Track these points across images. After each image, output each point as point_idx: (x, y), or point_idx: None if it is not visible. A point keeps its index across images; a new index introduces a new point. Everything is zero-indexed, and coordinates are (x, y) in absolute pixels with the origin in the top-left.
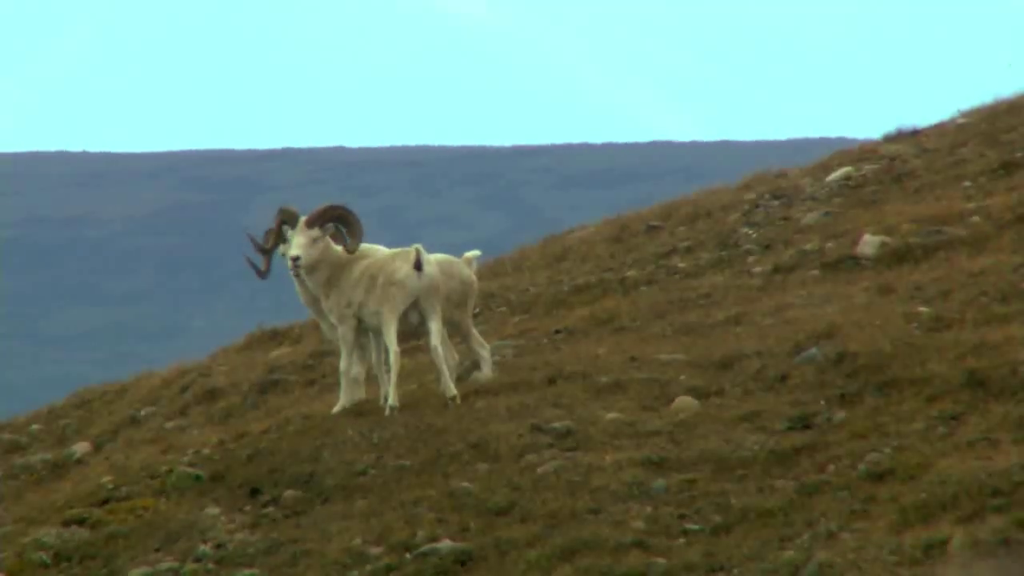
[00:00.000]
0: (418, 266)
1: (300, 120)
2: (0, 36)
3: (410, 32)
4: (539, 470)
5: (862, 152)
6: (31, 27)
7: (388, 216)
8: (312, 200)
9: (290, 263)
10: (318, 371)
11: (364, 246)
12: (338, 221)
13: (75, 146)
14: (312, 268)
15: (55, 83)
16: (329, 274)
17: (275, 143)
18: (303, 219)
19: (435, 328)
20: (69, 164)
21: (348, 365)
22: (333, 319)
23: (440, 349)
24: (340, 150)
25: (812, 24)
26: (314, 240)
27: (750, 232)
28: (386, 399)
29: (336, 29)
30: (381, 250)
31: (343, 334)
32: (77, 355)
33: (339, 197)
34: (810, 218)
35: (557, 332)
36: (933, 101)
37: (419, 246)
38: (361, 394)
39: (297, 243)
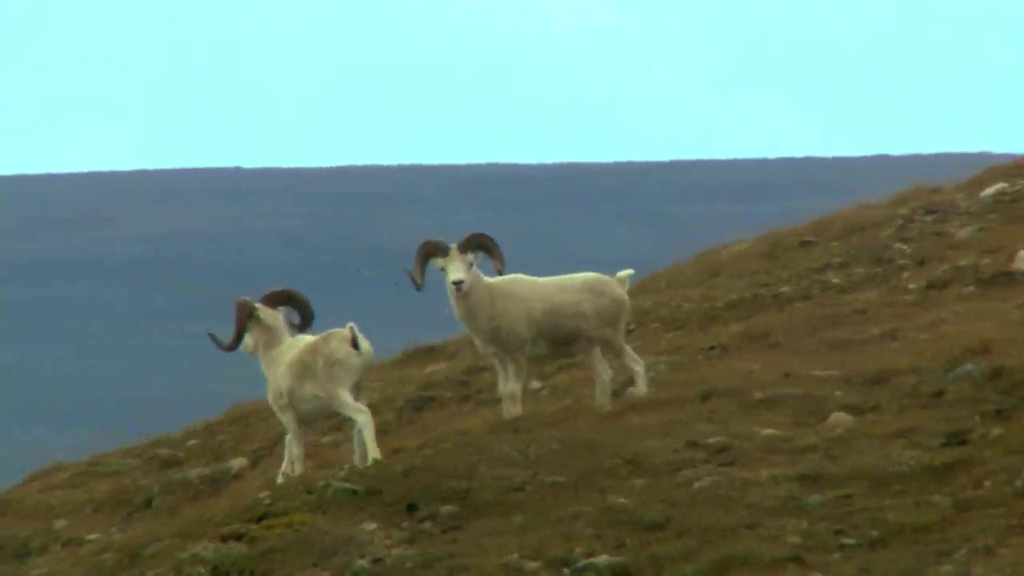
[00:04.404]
0: (355, 344)
1: (449, 137)
2: (150, 55)
3: (559, 49)
4: (694, 485)
5: (1016, 167)
6: (177, 51)
7: (534, 232)
8: (459, 216)
9: (452, 287)
10: (473, 387)
11: (293, 339)
12: (481, 248)
13: (226, 163)
14: (469, 292)
15: (203, 101)
16: (268, 361)
17: (424, 159)
18: (455, 246)
19: (363, 401)
20: (216, 180)
21: (298, 446)
22: (275, 410)
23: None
24: (490, 167)
25: (964, 36)
26: (470, 264)
27: (904, 247)
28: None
29: (484, 47)
30: (309, 338)
31: (287, 423)
32: (230, 371)
33: (485, 213)
34: (964, 233)
35: (711, 348)
36: None
37: (352, 324)
38: (518, 410)
39: (457, 268)
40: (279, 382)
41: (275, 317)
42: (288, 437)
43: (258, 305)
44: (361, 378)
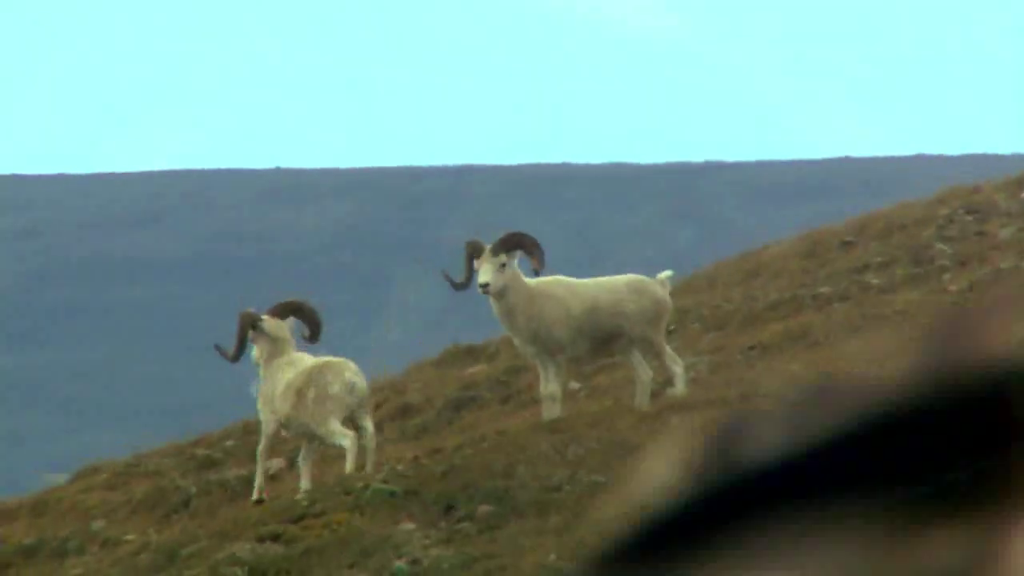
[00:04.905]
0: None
1: (493, 136)
2: (192, 59)
3: (602, 50)
4: None
5: None
6: (221, 52)
7: (580, 231)
8: (505, 217)
9: (480, 289)
10: (513, 387)
11: (294, 355)
12: (519, 248)
13: (267, 163)
14: (501, 293)
15: (245, 101)
16: (268, 369)
17: (469, 159)
18: (488, 247)
19: (369, 426)
20: (259, 181)
21: (265, 449)
22: (259, 407)
23: (372, 442)
24: (535, 166)
25: (1005, 37)
26: (502, 265)
27: (945, 248)
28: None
29: (527, 49)
30: (307, 359)
31: (264, 425)
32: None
33: (532, 213)
34: (1005, 234)
35: (751, 348)
36: None
37: (345, 360)
38: (557, 411)
39: (486, 270)
40: (276, 404)
41: (280, 328)
42: (302, 451)
43: (264, 316)
44: (359, 407)
